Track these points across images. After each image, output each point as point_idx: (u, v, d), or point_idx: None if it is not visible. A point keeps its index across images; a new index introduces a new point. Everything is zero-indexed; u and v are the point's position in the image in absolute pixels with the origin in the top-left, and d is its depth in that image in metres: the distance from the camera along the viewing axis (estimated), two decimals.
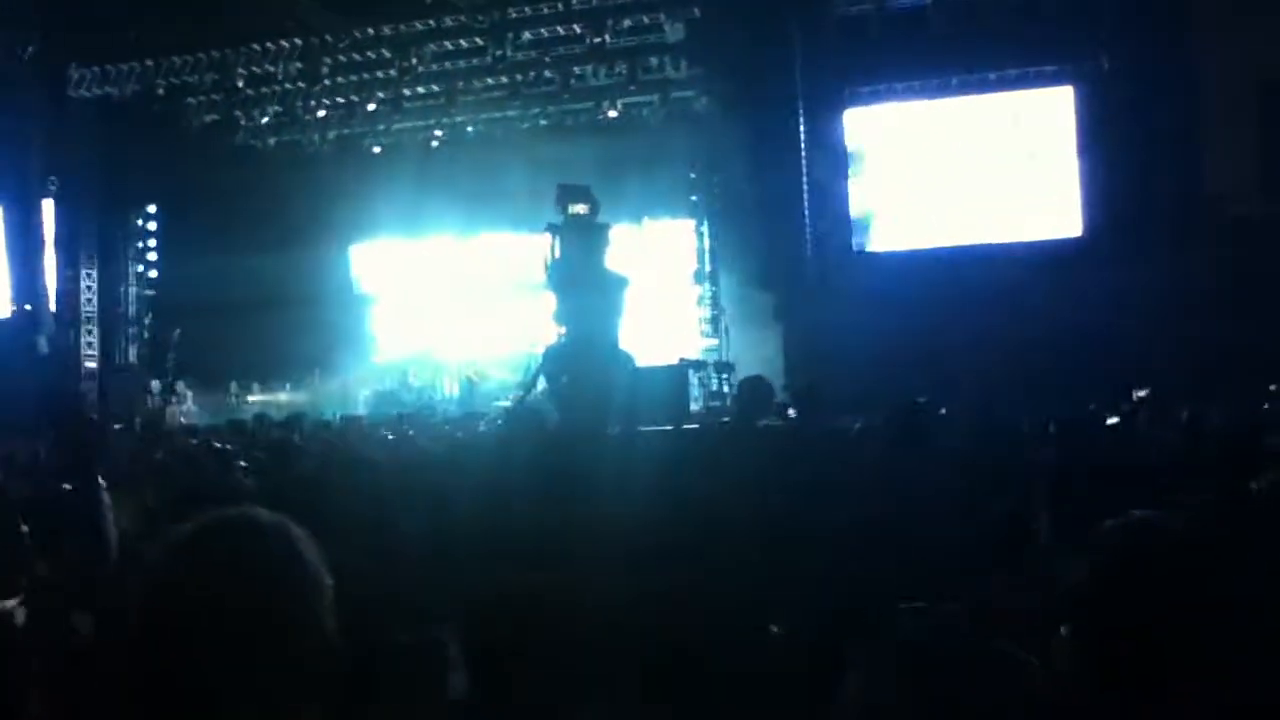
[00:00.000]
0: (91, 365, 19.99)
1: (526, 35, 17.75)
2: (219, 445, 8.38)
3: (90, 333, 20.07)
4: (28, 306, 19.21)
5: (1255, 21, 13.86)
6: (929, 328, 14.75)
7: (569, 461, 5.50)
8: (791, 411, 8.69)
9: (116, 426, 14.31)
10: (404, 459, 5.91)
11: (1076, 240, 16.71)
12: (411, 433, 9.85)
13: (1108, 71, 16.42)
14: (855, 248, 17.67)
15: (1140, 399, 9.92)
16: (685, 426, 8.70)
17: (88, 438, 3.96)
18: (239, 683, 1.53)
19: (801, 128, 17.14)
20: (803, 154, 17.16)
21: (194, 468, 6.68)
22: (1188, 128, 15.48)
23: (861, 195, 17.76)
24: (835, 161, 17.56)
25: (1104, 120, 16.48)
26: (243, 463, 6.99)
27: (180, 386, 19.97)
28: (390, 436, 9.40)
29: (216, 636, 1.53)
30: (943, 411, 9.25)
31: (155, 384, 20.01)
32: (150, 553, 1.73)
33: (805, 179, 17.14)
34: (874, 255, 17.61)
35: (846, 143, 17.73)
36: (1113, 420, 7.32)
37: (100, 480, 3.62)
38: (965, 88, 17.37)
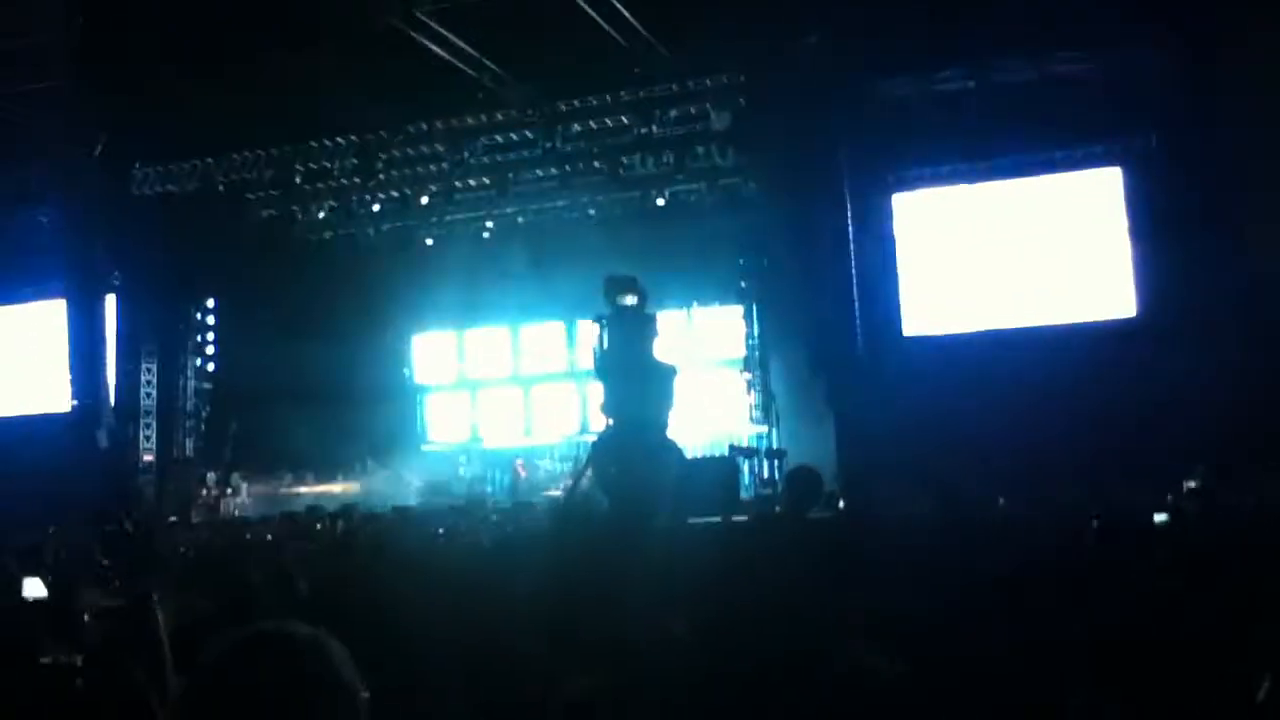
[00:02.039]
0: (149, 459, 20.24)
1: (575, 127, 18.06)
2: (269, 539, 8.47)
3: (149, 426, 20.35)
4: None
5: None
6: (981, 411, 14.61)
7: (618, 559, 5.47)
8: (842, 502, 8.65)
9: (171, 520, 14.48)
10: (454, 558, 5.93)
11: (1130, 321, 16.53)
12: (462, 527, 9.88)
13: (1155, 151, 16.35)
14: (905, 332, 17.59)
15: (1191, 489, 9.68)
16: (735, 518, 8.65)
17: (138, 549, 3.96)
18: None
19: (849, 212, 17.21)
20: (850, 238, 17.21)
21: (245, 565, 6.72)
22: (1236, 206, 15.33)
23: (910, 279, 17.72)
24: (883, 246, 17.56)
25: (1153, 200, 16.37)
26: (294, 558, 7.04)
27: (235, 479, 20.19)
28: (442, 531, 9.43)
29: None
30: (1001, 501, 9.15)
31: (211, 476, 20.23)
32: (190, 667, 1.75)
33: (853, 264, 17.16)
34: (924, 339, 17.51)
35: (894, 227, 17.74)
36: (1161, 518, 7.09)
37: (154, 597, 3.61)
38: (1012, 170, 17.36)
